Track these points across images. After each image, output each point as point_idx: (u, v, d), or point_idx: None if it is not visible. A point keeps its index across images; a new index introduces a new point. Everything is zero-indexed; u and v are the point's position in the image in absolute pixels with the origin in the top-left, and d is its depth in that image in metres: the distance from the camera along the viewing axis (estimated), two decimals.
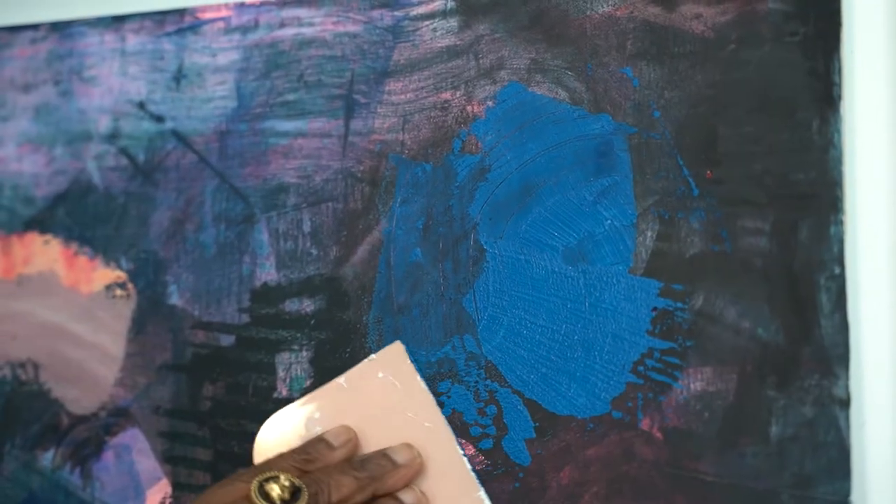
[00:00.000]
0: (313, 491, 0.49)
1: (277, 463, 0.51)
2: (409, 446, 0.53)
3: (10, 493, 0.64)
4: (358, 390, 0.55)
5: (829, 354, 0.50)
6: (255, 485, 0.48)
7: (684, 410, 0.52)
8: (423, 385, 0.54)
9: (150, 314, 0.63)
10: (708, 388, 0.52)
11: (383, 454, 0.52)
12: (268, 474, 0.49)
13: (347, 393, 0.55)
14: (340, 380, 0.55)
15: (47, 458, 0.64)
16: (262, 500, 0.48)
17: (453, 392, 0.56)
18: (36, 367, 0.65)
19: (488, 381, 0.55)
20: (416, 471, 0.52)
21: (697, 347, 0.52)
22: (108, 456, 0.63)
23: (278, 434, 0.54)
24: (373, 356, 0.55)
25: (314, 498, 0.48)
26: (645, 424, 0.53)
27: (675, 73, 0.53)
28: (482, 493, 0.53)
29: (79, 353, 0.64)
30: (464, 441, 0.55)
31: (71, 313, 0.65)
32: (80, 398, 0.64)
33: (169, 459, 0.61)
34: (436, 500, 0.52)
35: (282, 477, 0.48)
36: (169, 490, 0.61)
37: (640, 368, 0.53)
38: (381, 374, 0.55)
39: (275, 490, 0.48)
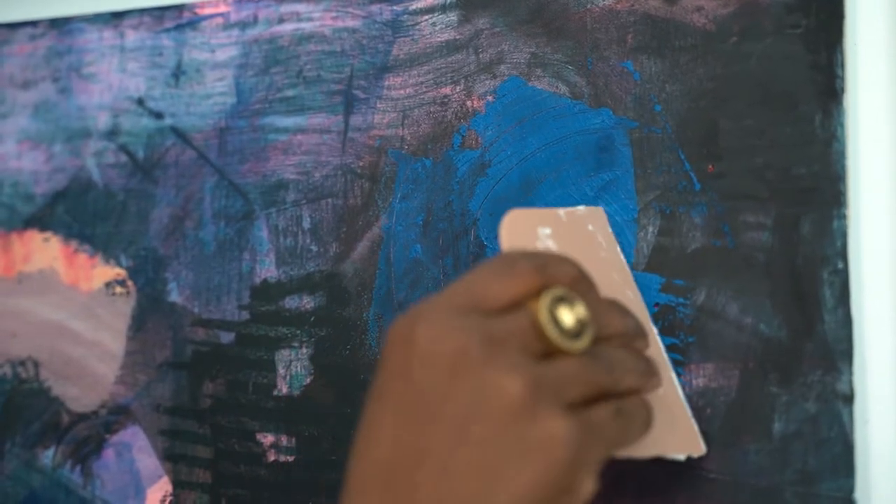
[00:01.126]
0: (598, 328, 0.42)
1: (558, 269, 0.42)
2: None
3: (10, 492, 0.64)
4: (574, 229, 0.49)
5: (833, 350, 0.49)
6: (547, 301, 0.40)
7: None
8: (622, 255, 0.50)
9: (150, 312, 0.63)
10: (710, 384, 0.51)
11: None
12: (562, 293, 0.41)
13: (567, 227, 0.49)
14: (560, 211, 0.49)
15: (48, 456, 0.64)
16: (551, 326, 0.40)
17: None
18: (36, 364, 0.65)
19: None
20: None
21: (699, 343, 0.52)
22: (109, 454, 0.63)
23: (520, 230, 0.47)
24: (580, 207, 0.51)
25: (598, 335, 0.41)
26: None
27: (677, 66, 0.53)
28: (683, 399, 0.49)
29: (79, 351, 0.64)
30: None
31: (71, 311, 0.65)
32: (80, 396, 0.64)
33: (169, 457, 0.61)
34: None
35: (577, 305, 0.41)
36: (170, 488, 0.61)
37: None
38: (590, 227, 0.50)
39: (567, 319, 0.40)
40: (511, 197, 0.55)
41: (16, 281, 0.66)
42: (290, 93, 0.60)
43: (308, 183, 0.60)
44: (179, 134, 0.63)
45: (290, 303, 0.59)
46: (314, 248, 0.59)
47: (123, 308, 0.63)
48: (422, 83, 0.58)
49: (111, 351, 0.63)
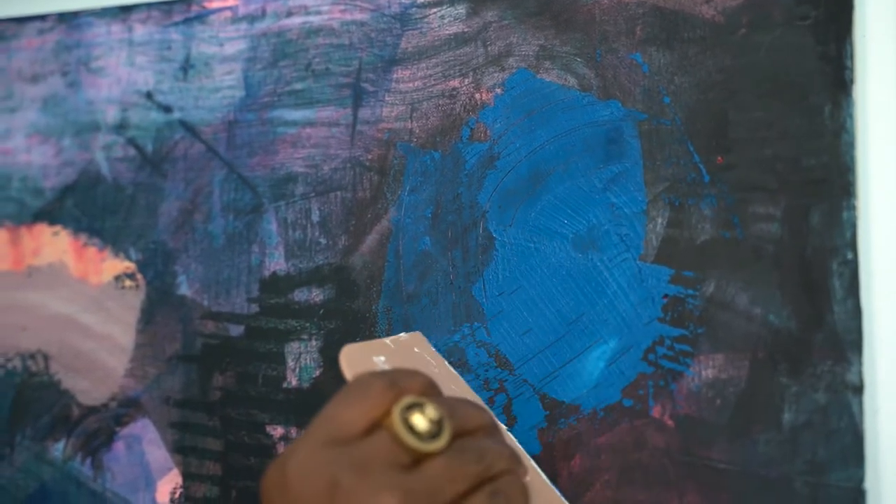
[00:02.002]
0: (457, 424, 0.41)
1: (408, 381, 0.42)
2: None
3: (21, 484, 0.64)
4: (404, 353, 0.51)
5: (842, 340, 0.49)
6: (397, 412, 0.40)
7: (696, 398, 0.52)
8: (452, 369, 0.53)
9: (160, 305, 0.63)
10: (720, 375, 0.51)
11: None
12: (411, 400, 0.41)
13: (396, 352, 0.51)
14: (387, 340, 0.51)
15: (58, 448, 0.64)
16: (407, 434, 0.40)
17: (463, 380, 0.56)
18: (46, 358, 0.65)
19: (498, 370, 0.55)
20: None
21: (709, 334, 0.52)
22: (119, 446, 0.63)
23: (358, 360, 0.48)
24: (402, 335, 0.53)
25: (458, 432, 0.41)
26: (656, 412, 0.52)
27: (686, 58, 0.53)
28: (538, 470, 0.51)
29: (89, 344, 0.64)
30: None
31: (80, 304, 0.64)
32: (90, 389, 0.64)
33: (179, 450, 0.61)
34: None
35: (428, 407, 0.41)
36: (179, 480, 0.61)
37: (651, 356, 0.52)
38: (416, 350, 0.52)
39: (421, 423, 0.40)
40: (520, 189, 0.55)
41: (25, 275, 0.66)
42: (298, 86, 0.60)
43: (317, 176, 0.60)
44: (188, 127, 0.63)
45: (300, 295, 0.59)
46: (323, 240, 0.59)
47: (133, 301, 0.63)
48: (430, 76, 0.58)
49: (121, 344, 0.63)
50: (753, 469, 0.50)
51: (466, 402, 0.43)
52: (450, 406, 0.42)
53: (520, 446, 0.48)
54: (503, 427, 0.48)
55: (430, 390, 0.43)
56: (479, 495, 0.40)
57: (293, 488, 0.40)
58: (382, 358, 0.49)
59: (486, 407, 0.44)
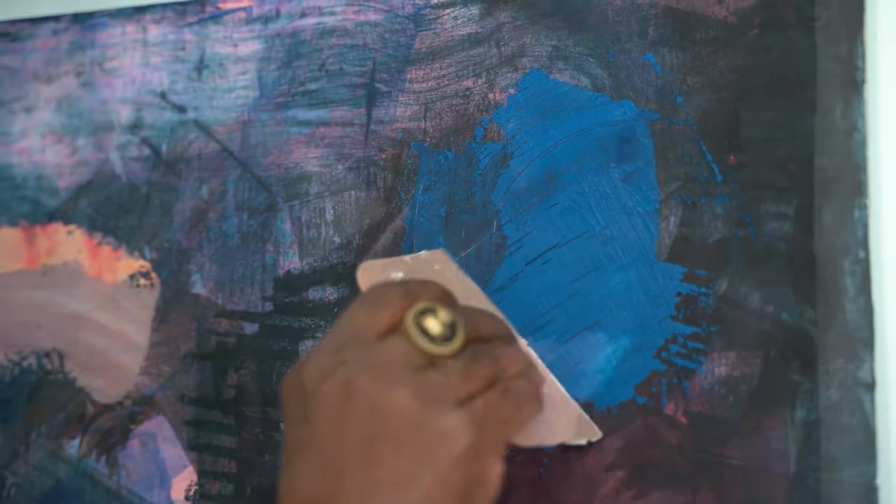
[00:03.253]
0: (471, 330, 0.44)
1: (423, 289, 0.45)
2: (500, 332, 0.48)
3: (36, 482, 0.66)
4: (422, 270, 0.52)
5: (854, 338, 0.50)
6: (411, 316, 0.43)
7: (709, 395, 0.53)
8: (475, 285, 0.53)
9: (174, 303, 0.64)
10: (732, 372, 0.52)
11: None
12: (424, 305, 0.43)
13: (415, 269, 0.52)
14: (406, 258, 0.52)
15: (73, 446, 0.65)
16: (420, 337, 0.42)
17: None
18: (61, 356, 0.66)
19: None
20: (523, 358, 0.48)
21: (722, 332, 0.53)
22: (134, 444, 0.64)
23: (375, 275, 0.50)
24: (423, 252, 0.53)
25: (465, 329, 0.44)
26: (669, 409, 0.53)
27: (698, 58, 0.54)
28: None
29: (103, 343, 0.66)
30: None
31: (95, 303, 0.66)
32: (105, 387, 0.65)
33: (194, 447, 0.62)
34: None
35: (440, 311, 0.43)
36: (195, 478, 0.62)
37: (664, 354, 0.53)
38: (437, 267, 0.52)
39: (434, 326, 0.43)
40: (533, 188, 0.56)
41: (40, 273, 0.67)
42: (312, 86, 0.61)
43: (331, 175, 0.61)
44: (202, 127, 0.64)
45: (314, 294, 0.60)
46: (337, 239, 0.60)
47: (147, 300, 0.65)
48: (444, 76, 0.59)
49: (135, 342, 0.65)
50: (766, 466, 0.51)
51: (482, 312, 0.46)
52: (464, 312, 0.45)
53: (539, 359, 0.51)
54: (522, 341, 0.50)
55: (445, 298, 0.45)
56: (492, 392, 0.43)
57: (309, 390, 0.43)
58: (400, 274, 0.51)
59: (504, 319, 0.47)
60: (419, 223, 0.59)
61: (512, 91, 0.57)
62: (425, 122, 0.59)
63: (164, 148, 0.65)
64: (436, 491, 0.41)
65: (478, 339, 0.45)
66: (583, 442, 0.53)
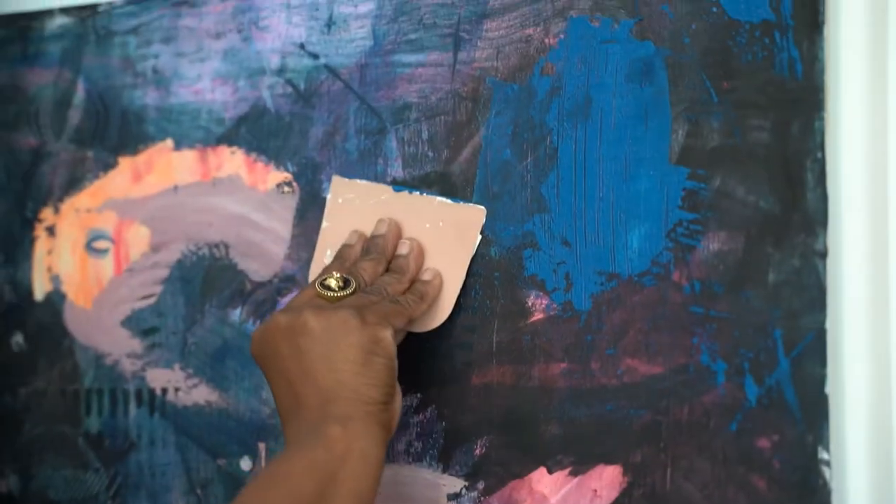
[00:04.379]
0: (355, 276, 0.68)
1: (326, 271, 0.70)
2: (408, 241, 0.73)
3: (209, 341, 0.82)
4: (369, 196, 0.76)
5: (812, 219, 0.65)
6: (317, 283, 0.67)
7: (705, 265, 0.67)
8: (470, 254, 0.73)
9: (310, 205, 0.79)
10: (723, 247, 0.67)
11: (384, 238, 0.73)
12: (323, 276, 0.68)
13: (365, 194, 0.76)
14: (360, 182, 0.77)
15: (235, 314, 0.81)
16: (324, 290, 0.66)
17: (533, 257, 0.73)
18: (226, 246, 0.82)
19: (561, 249, 0.72)
20: (418, 252, 0.73)
21: (715, 217, 0.67)
22: None
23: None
24: (459, 203, 0.74)
25: (356, 280, 0.68)
26: (676, 277, 0.68)
27: (701, 9, 0.69)
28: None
29: (258, 236, 0.80)
30: (541, 292, 0.72)
31: (252, 206, 0.80)
32: (259, 269, 0.80)
33: None
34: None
35: (334, 274, 0.67)
36: None
37: (672, 235, 0.68)
38: (441, 224, 0.74)
39: (332, 281, 0.67)
40: (578, 111, 0.72)
41: (211, 184, 0.83)
42: (413, 36, 0.77)
43: (426, 104, 0.77)
44: (331, 70, 0.80)
45: None
46: (430, 154, 0.77)
47: (290, 203, 0.80)
48: (511, 26, 0.75)
49: (281, 235, 0.79)
50: (746, 317, 0.66)
51: (361, 257, 0.72)
52: (347, 260, 0.71)
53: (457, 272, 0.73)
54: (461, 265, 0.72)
55: (341, 267, 0.71)
56: (374, 302, 0.67)
57: (262, 340, 0.66)
58: (351, 194, 0.77)
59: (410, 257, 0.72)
60: (492, 140, 0.75)
61: (562, 36, 0.73)
62: (497, 62, 0.75)
63: (302, 86, 0.80)
64: (348, 357, 0.62)
65: (375, 271, 0.70)
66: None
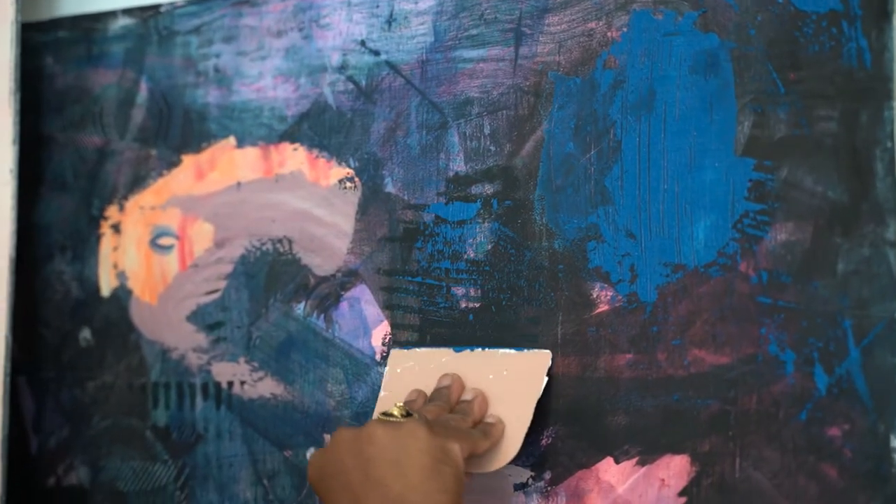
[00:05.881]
0: (417, 411, 0.68)
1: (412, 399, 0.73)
2: (473, 389, 0.73)
3: (274, 334, 0.84)
4: (429, 362, 0.76)
5: (882, 209, 0.65)
6: (379, 414, 0.67)
7: (772, 255, 0.68)
8: (536, 398, 0.72)
9: (372, 200, 0.81)
10: (790, 237, 0.68)
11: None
12: (385, 409, 0.68)
13: (423, 360, 0.77)
14: (418, 350, 0.78)
15: (300, 308, 0.83)
16: (384, 416, 0.66)
17: (597, 249, 0.74)
18: (290, 241, 0.84)
19: (626, 241, 0.73)
20: (482, 398, 0.72)
21: (783, 208, 0.68)
22: (344, 305, 0.81)
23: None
24: (523, 351, 0.74)
25: (418, 413, 0.67)
26: (742, 267, 0.69)
27: (767, 0, 0.69)
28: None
29: (321, 231, 0.82)
30: (606, 284, 0.73)
31: (314, 201, 0.83)
32: (322, 264, 0.82)
33: (388, 307, 0.80)
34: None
35: (397, 404, 0.67)
36: (388, 329, 0.80)
37: (739, 226, 0.69)
38: (505, 373, 0.73)
39: (394, 410, 0.66)
40: (641, 104, 0.72)
41: (273, 181, 0.85)
42: (474, 32, 0.79)
43: (488, 99, 0.78)
44: (392, 66, 0.81)
45: (475, 189, 0.78)
46: (493, 148, 0.78)
47: (352, 198, 0.82)
48: (573, 20, 0.75)
49: (344, 230, 0.81)
50: (815, 307, 0.67)
51: (425, 403, 0.72)
52: (412, 406, 0.70)
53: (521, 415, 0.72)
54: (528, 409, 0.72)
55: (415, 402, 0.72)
56: (455, 418, 0.69)
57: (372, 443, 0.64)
58: (410, 362, 0.77)
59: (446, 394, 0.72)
60: (554, 134, 0.76)
61: (624, 30, 0.74)
62: (559, 56, 0.76)
63: (363, 83, 0.82)
64: (417, 463, 0.62)
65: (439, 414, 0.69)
66: (545, 380, 0.72)
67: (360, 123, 0.82)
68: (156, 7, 0.90)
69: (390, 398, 0.75)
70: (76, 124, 0.92)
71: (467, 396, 0.72)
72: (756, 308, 0.68)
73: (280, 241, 0.84)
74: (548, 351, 0.73)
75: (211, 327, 0.86)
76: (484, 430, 0.69)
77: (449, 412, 0.70)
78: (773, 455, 0.67)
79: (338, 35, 0.83)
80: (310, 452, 0.82)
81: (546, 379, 0.72)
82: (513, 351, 0.74)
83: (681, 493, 0.69)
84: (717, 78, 0.70)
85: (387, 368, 0.77)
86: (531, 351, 0.74)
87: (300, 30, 0.84)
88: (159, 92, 0.89)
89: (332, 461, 0.64)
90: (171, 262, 0.88)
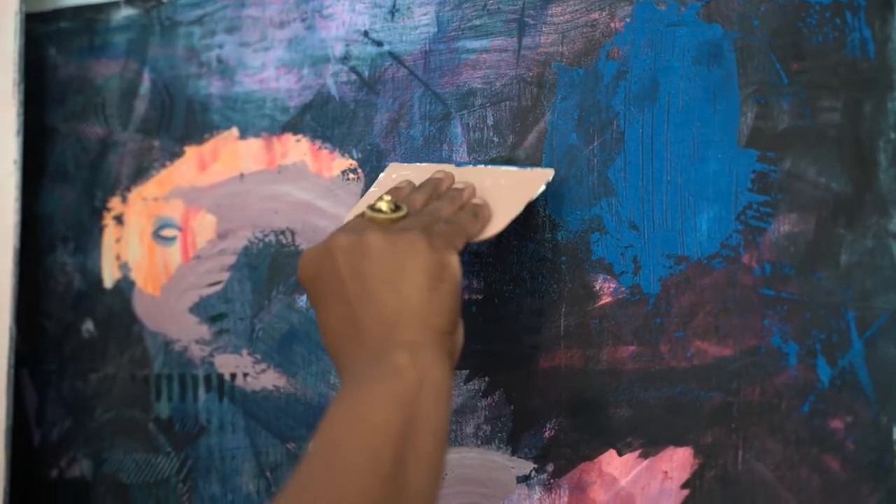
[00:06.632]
0: (405, 201, 0.68)
1: (375, 200, 0.68)
2: (463, 182, 0.72)
3: (277, 326, 0.84)
4: (423, 174, 0.74)
5: (886, 200, 0.65)
6: (366, 208, 0.66)
7: (775, 247, 0.68)
8: (529, 198, 0.70)
9: None
10: (793, 229, 0.68)
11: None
12: (373, 202, 0.66)
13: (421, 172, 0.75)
14: (420, 165, 0.77)
15: (302, 300, 0.83)
16: (374, 212, 0.65)
17: (601, 241, 0.73)
18: (293, 233, 0.84)
19: (629, 232, 0.73)
20: (472, 189, 0.71)
21: (786, 199, 0.68)
22: None
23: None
24: (526, 169, 0.74)
25: (407, 206, 0.67)
26: (745, 259, 0.69)
27: None
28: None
29: (323, 222, 0.82)
30: (609, 276, 0.73)
31: (317, 193, 0.82)
32: None
33: None
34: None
35: (384, 197, 0.66)
36: None
37: (742, 217, 0.69)
38: (503, 181, 0.72)
39: (382, 204, 0.65)
40: (645, 95, 0.72)
41: (276, 172, 0.84)
42: (477, 22, 0.78)
43: (491, 90, 0.78)
44: (395, 57, 0.81)
45: None
46: (496, 139, 0.78)
47: (355, 189, 0.82)
48: (577, 10, 0.75)
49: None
50: (818, 298, 0.66)
51: (413, 191, 0.71)
52: (399, 195, 0.69)
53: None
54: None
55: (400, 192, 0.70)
56: (436, 224, 0.65)
57: (316, 262, 0.63)
58: (407, 172, 0.76)
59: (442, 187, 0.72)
60: (557, 124, 0.76)
61: (628, 20, 0.73)
62: (562, 46, 0.76)
63: (366, 74, 0.82)
64: (415, 283, 0.60)
65: (427, 202, 0.69)
66: (542, 188, 0.70)
67: (363, 114, 0.82)
68: None
69: (378, 195, 0.72)
70: (79, 115, 0.92)
71: (458, 187, 0.71)
72: (759, 300, 0.68)
73: (283, 232, 0.84)
74: (551, 169, 0.73)
75: (214, 319, 0.86)
76: (473, 210, 0.68)
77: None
78: (776, 447, 0.67)
79: (341, 26, 0.83)
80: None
81: (543, 187, 0.71)
82: (516, 168, 0.74)
83: (684, 486, 0.69)
84: (720, 68, 0.70)
85: (381, 175, 0.77)
86: (534, 168, 0.73)
87: (303, 20, 0.84)
88: (162, 83, 0.89)
89: (327, 268, 0.62)
90: (174, 254, 0.88)
